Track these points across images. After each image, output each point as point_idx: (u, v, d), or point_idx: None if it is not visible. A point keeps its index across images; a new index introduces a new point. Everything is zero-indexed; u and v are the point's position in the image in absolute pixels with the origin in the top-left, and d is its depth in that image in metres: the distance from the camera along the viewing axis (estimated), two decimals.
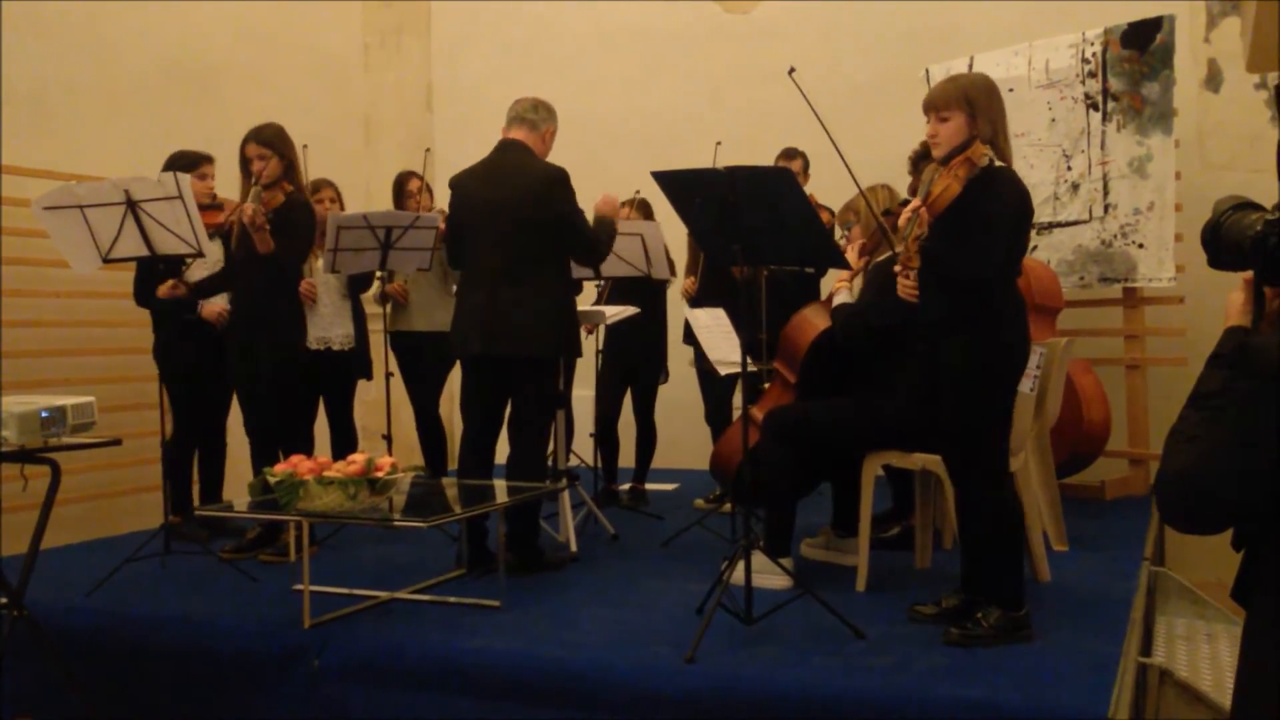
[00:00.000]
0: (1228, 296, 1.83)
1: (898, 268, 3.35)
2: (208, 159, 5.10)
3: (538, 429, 4.41)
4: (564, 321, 4.39)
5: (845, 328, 4.12)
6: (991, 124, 3.30)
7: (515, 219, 4.26)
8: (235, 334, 4.75)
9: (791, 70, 3.62)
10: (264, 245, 4.47)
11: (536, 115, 4.42)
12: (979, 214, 3.23)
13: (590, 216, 4.42)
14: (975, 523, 3.39)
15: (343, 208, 5.43)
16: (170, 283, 4.68)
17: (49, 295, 5.58)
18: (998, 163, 3.29)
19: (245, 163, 4.60)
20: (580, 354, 4.58)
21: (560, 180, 4.29)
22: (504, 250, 4.28)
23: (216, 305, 4.99)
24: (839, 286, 4.24)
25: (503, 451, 4.46)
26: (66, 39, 5.85)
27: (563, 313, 4.38)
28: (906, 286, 3.37)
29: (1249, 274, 1.78)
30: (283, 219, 4.56)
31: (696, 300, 5.60)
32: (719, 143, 5.54)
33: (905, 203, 4.22)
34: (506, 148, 4.40)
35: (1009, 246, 3.32)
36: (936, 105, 3.34)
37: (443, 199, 5.11)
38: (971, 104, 3.29)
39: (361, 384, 5.53)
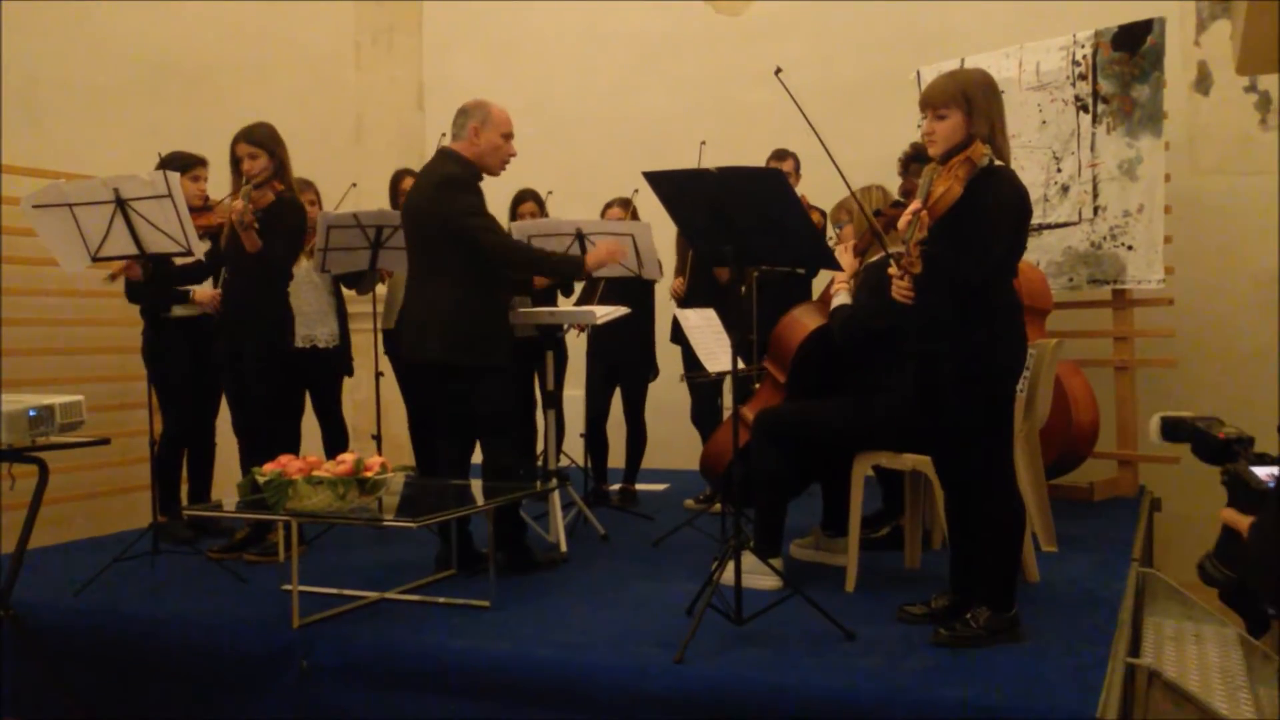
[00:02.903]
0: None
1: (893, 270, 3.31)
2: (201, 161, 5.09)
3: (491, 435, 4.36)
4: (465, 326, 4.23)
5: (844, 329, 4.10)
6: (989, 122, 3.26)
7: (415, 224, 4.32)
8: (223, 334, 4.74)
9: (778, 71, 3.61)
10: (251, 244, 4.46)
11: (455, 125, 4.35)
12: (979, 215, 3.20)
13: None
14: (973, 525, 3.38)
15: (322, 209, 5.40)
16: (124, 264, 4.69)
17: (38, 294, 5.57)
18: (996, 161, 3.25)
19: (235, 162, 4.61)
20: (504, 359, 4.30)
21: (444, 185, 4.21)
22: (413, 256, 4.39)
23: (209, 290, 4.97)
24: (838, 287, 4.20)
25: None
26: (58, 37, 5.84)
27: (463, 317, 4.23)
28: (901, 288, 3.36)
29: None
30: (273, 218, 4.55)
31: (686, 300, 5.60)
32: (703, 142, 5.55)
33: (897, 204, 4.23)
34: (436, 155, 4.41)
35: (1009, 247, 3.29)
36: (934, 102, 3.30)
37: None
38: (969, 101, 3.25)
39: (352, 383, 5.52)
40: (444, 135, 4.94)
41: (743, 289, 5.12)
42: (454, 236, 4.18)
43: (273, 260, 4.61)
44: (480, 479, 4.34)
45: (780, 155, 5.85)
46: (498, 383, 4.31)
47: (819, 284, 5.69)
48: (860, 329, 4.03)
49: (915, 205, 3.22)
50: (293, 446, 4.70)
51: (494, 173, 4.36)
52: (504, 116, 4.33)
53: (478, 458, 4.50)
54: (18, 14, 5.58)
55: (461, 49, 8.01)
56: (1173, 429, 2.31)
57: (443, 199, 4.20)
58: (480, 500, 4.20)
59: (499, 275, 4.38)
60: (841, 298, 4.16)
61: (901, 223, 3.25)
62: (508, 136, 4.34)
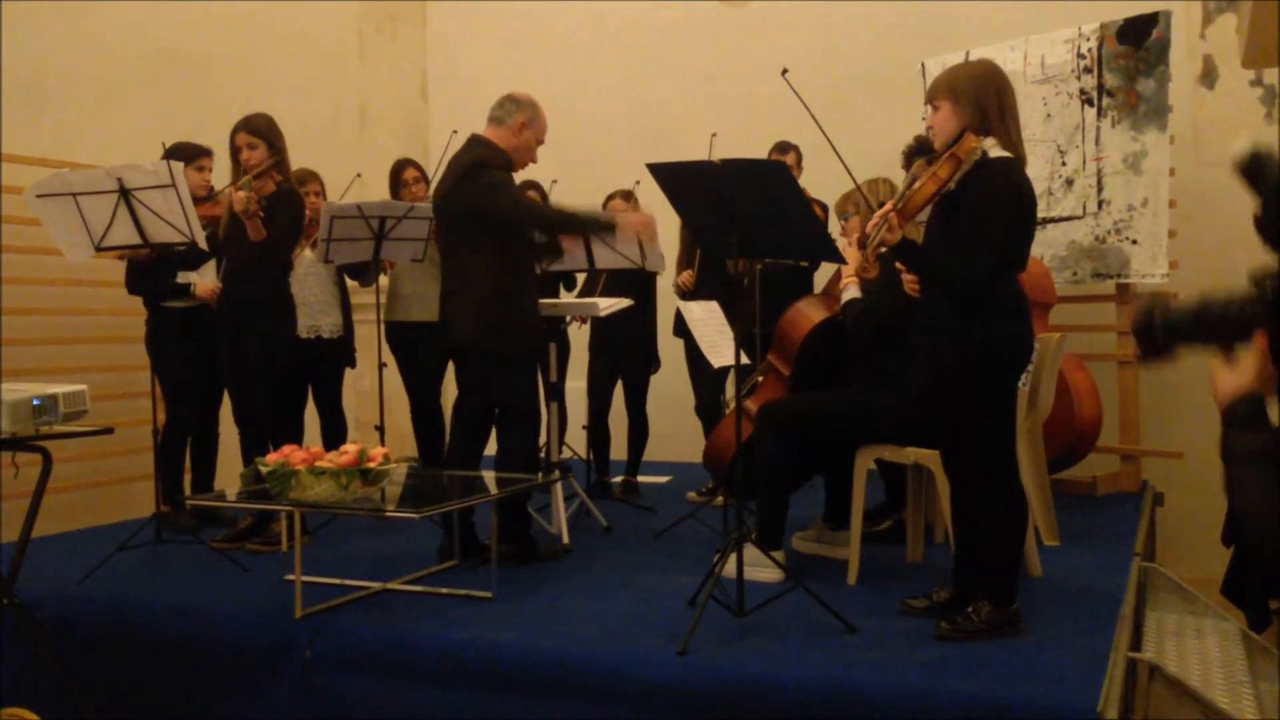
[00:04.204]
0: (1216, 376, 1.82)
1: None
2: (206, 152, 5.10)
3: (514, 423, 4.38)
4: (491, 313, 4.25)
5: (858, 323, 4.09)
6: (982, 111, 3.22)
7: (444, 211, 4.37)
8: (223, 322, 4.75)
9: (785, 71, 3.60)
10: (257, 233, 4.49)
11: (502, 110, 4.37)
12: (968, 211, 3.18)
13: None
14: (974, 519, 3.38)
15: (326, 200, 5.40)
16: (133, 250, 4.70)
17: (42, 283, 5.57)
18: (995, 153, 3.21)
19: (235, 151, 4.64)
20: (536, 345, 4.42)
21: (473, 168, 4.23)
22: (443, 242, 4.43)
23: (210, 283, 4.99)
24: (846, 282, 4.19)
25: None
26: (62, 28, 5.83)
27: (490, 304, 4.25)
28: (910, 281, 3.35)
29: (1259, 343, 1.79)
30: (273, 208, 4.59)
31: (692, 294, 5.59)
32: (714, 134, 5.53)
33: None
34: (466, 142, 4.41)
35: (1012, 240, 3.25)
36: (928, 95, 3.34)
37: None
38: (955, 92, 3.24)
39: (356, 374, 5.53)
40: (455, 132, 4.94)
41: (745, 281, 5.11)
42: (485, 220, 4.21)
43: (275, 249, 4.64)
44: (490, 470, 4.34)
45: (782, 148, 5.84)
46: (525, 371, 4.41)
47: (821, 277, 5.68)
48: (874, 322, 4.02)
49: (886, 207, 3.20)
50: (295, 437, 4.72)
51: (515, 170, 4.40)
52: (546, 126, 4.45)
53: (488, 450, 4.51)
54: (22, 4, 5.57)
55: (466, 40, 8.01)
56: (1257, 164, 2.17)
57: (473, 181, 4.23)
58: (484, 491, 4.20)
59: (529, 264, 4.48)
60: (851, 291, 4.14)
61: (869, 225, 3.23)
62: (540, 144, 4.44)
